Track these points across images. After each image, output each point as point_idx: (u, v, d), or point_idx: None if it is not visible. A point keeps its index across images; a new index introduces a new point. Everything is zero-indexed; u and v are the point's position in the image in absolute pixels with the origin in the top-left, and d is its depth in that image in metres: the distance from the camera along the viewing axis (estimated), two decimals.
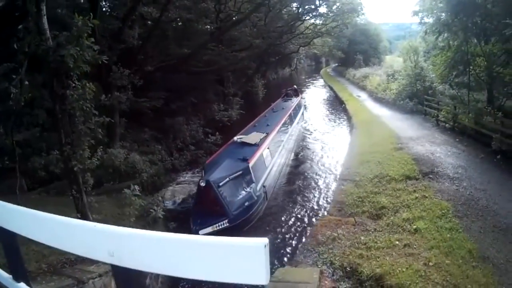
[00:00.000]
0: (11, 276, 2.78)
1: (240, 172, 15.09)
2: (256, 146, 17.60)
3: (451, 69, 24.07)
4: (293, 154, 24.85)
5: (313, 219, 15.33)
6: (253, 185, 15.28)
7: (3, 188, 12.50)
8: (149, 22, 24.89)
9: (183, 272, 1.64)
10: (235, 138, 18.90)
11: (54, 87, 10.59)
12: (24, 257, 3.11)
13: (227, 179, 14.30)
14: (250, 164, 15.60)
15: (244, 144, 17.84)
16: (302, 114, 34.04)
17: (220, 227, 13.28)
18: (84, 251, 2.04)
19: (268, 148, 18.73)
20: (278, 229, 15.00)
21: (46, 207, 6.56)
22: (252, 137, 18.58)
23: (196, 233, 12.54)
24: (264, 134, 19.48)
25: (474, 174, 15.44)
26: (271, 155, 18.93)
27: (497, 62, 20.42)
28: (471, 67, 22.13)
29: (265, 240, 1.39)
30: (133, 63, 20.54)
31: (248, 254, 1.41)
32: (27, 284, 2.75)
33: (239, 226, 13.80)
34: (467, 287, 8.52)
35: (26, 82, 10.57)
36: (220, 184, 13.89)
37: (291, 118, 27.58)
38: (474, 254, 9.78)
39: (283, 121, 24.33)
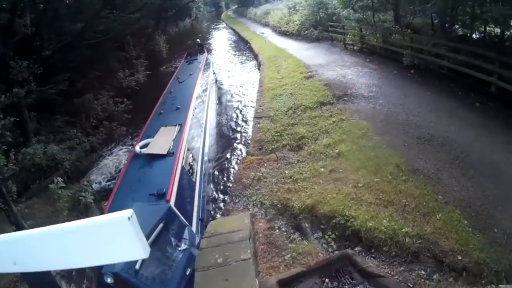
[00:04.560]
0: None
1: (162, 223, 8.47)
2: (171, 156, 11.77)
3: None
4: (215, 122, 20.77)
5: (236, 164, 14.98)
6: (186, 231, 9.16)
7: None
8: (40, 5, 22.94)
9: (76, 263, 1.65)
10: (137, 149, 12.60)
11: None
12: None
13: None
14: (172, 202, 9.62)
15: (152, 158, 11.87)
16: (214, 73, 30.22)
17: None
18: None
19: (188, 150, 13.21)
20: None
21: None
22: (161, 140, 12.81)
23: None
24: (177, 127, 13.66)
25: (389, 90, 15.62)
26: (195, 158, 13.83)
27: None
28: None
29: (128, 212, 1.32)
30: (30, 51, 19.38)
31: (117, 230, 1.35)
32: None
33: None
34: (402, 202, 8.51)
35: None
36: (137, 269, 7.50)
37: (204, 85, 21.99)
38: (402, 168, 9.84)
39: (195, 95, 18.03)
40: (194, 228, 10.00)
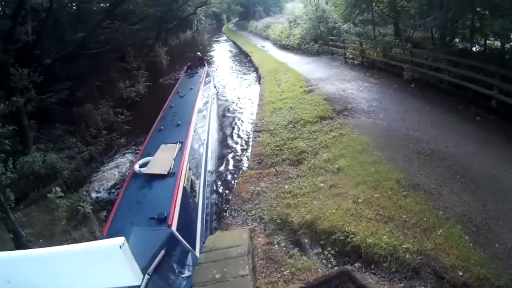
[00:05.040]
0: None
1: (163, 250, 8.02)
2: (172, 176, 11.11)
3: (353, 8, 24.76)
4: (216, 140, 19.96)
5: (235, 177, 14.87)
6: (190, 256, 8.66)
7: None
8: (42, 14, 23.00)
9: (67, 287, 1.65)
10: (136, 168, 11.96)
11: None
12: None
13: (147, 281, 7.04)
14: (173, 227, 9.04)
15: (152, 178, 11.18)
16: (215, 87, 29.20)
17: None
18: None
19: (190, 169, 12.51)
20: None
21: None
22: (162, 159, 12.16)
23: None
24: (177, 145, 13.00)
25: (389, 105, 15.64)
26: (197, 178, 13.20)
27: None
28: (373, 4, 22.53)
29: (120, 240, 1.32)
30: (31, 59, 19.36)
31: (109, 257, 1.34)
32: None
33: None
34: (402, 217, 8.46)
35: None
36: None
37: (205, 100, 21.32)
38: (403, 184, 9.80)
39: (196, 110, 17.34)
40: (197, 253, 9.17)
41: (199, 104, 18.43)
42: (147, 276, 7.03)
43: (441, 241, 7.56)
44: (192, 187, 11.96)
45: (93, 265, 1.42)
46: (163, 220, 8.89)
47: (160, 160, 11.84)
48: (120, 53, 32.80)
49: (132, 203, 10.15)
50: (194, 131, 15.00)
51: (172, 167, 11.36)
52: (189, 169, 12.23)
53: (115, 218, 9.79)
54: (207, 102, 20.94)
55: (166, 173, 11.09)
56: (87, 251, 1.46)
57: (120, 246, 1.34)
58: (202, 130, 16.87)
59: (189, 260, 8.43)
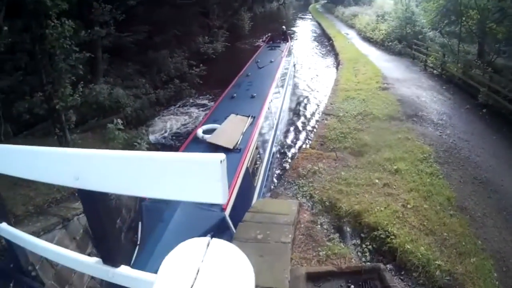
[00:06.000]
0: None
1: (210, 234, 6.60)
2: (237, 152, 10.17)
3: (443, 17, 23.96)
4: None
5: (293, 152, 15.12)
6: None
7: None
8: None
9: (143, 191, 1.66)
10: (198, 133, 11.03)
11: (33, 28, 10.64)
12: (10, 202, 2.83)
13: None
14: (227, 211, 8.35)
15: (214, 149, 9.94)
16: (294, 65, 27.27)
17: None
18: (50, 177, 1.87)
19: (257, 148, 11.55)
20: None
21: None
22: (229, 130, 11.04)
23: None
24: (249, 119, 11.96)
25: (458, 123, 15.17)
26: (262, 158, 12.17)
27: (490, 17, 19.79)
28: (463, 18, 21.57)
29: (221, 156, 1.26)
30: None
31: (204, 170, 1.29)
32: (9, 224, 2.62)
33: None
34: (443, 234, 8.36)
35: (5, 28, 10.46)
36: None
37: (283, 77, 19.87)
38: (452, 203, 9.64)
39: (273, 85, 16.29)
40: None
41: (277, 79, 17.42)
42: None
43: (471, 269, 7.45)
44: (254, 169, 11.06)
45: (183, 175, 1.34)
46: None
47: (227, 132, 10.90)
48: (204, 9, 32.73)
49: None
50: (268, 108, 14.11)
51: (239, 143, 10.53)
52: (256, 148, 11.33)
53: None
54: (284, 79, 19.84)
55: (231, 147, 10.20)
56: (181, 159, 1.38)
57: (221, 161, 1.24)
58: (275, 108, 15.80)
59: None
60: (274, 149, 14.41)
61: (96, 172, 1.57)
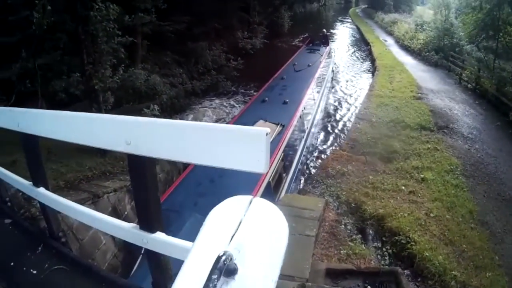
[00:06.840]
0: (31, 182, 2.74)
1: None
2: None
3: (480, 31, 23.45)
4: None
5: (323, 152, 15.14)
6: None
7: None
8: None
9: (190, 158, 1.66)
10: None
11: (77, 9, 10.85)
12: None
13: None
14: None
15: None
16: (333, 71, 25.25)
17: None
18: (102, 142, 2.01)
19: (282, 161, 10.88)
20: None
21: None
22: None
23: None
24: (278, 127, 11.37)
25: (487, 139, 14.90)
26: (286, 172, 11.36)
27: None
28: (500, 34, 21.09)
29: (267, 129, 1.32)
30: None
31: (250, 141, 1.34)
32: (46, 189, 2.69)
33: None
34: (462, 246, 8.34)
35: (49, 7, 10.27)
36: None
37: (320, 83, 18.78)
38: (474, 216, 9.58)
39: (308, 92, 15.43)
40: None
41: (313, 86, 16.59)
42: None
43: (486, 284, 7.40)
44: (278, 183, 10.45)
45: (230, 144, 1.39)
46: None
47: None
48: (245, 4, 32.67)
49: (204, 178, 8.96)
50: (300, 116, 13.34)
51: None
52: (281, 160, 10.74)
53: (178, 190, 8.88)
54: (321, 86, 18.70)
55: None
56: (230, 129, 1.44)
57: (266, 134, 1.29)
58: (308, 117, 14.86)
59: None
60: (302, 159, 13.67)
61: (146, 138, 1.64)
